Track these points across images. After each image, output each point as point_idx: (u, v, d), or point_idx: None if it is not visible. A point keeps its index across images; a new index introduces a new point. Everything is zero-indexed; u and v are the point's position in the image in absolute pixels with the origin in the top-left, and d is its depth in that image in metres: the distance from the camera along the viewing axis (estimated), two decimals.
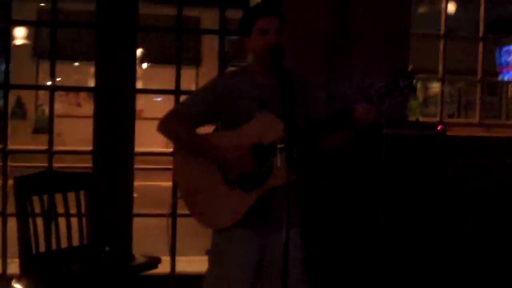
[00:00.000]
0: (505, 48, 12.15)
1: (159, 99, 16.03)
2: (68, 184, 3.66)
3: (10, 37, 4.83)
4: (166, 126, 2.99)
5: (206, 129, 3.05)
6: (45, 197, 3.55)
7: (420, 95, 17.01)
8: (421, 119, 5.18)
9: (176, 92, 4.52)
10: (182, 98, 4.37)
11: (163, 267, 4.04)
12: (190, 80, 16.08)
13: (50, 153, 4.41)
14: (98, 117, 4.43)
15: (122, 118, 4.43)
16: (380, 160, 3.80)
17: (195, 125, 2.98)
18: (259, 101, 2.87)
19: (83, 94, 16.58)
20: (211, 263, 3.06)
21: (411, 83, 2.67)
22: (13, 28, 12.96)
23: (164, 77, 6.99)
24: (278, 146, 2.68)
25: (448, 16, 5.40)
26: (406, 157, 4.12)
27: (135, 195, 4.54)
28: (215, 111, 2.96)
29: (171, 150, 4.40)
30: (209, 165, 2.90)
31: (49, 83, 4.56)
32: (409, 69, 2.77)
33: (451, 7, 9.23)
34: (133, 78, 4.47)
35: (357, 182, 4.20)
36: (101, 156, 4.41)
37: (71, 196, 3.61)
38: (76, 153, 4.84)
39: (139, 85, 4.91)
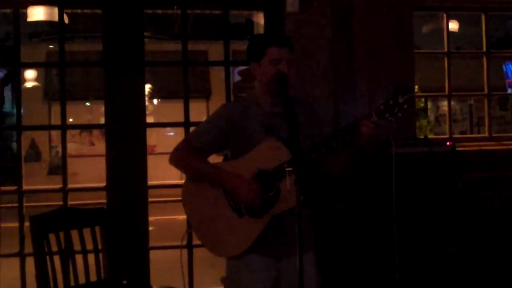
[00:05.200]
0: None
1: (171, 133, 16.20)
2: (83, 220, 3.68)
3: (20, 79, 4.89)
4: (176, 156, 3.04)
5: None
6: (61, 234, 3.58)
7: (431, 114, 17.02)
8: (430, 136, 5.18)
9: (186, 124, 4.56)
10: (192, 129, 4.42)
11: None
12: (201, 113, 16.25)
13: (64, 191, 4.46)
14: (110, 152, 4.46)
15: (134, 152, 4.46)
16: (391, 179, 3.80)
17: (205, 154, 3.02)
18: (266, 128, 2.89)
19: (96, 133, 16.76)
20: None
21: (410, 98, 2.69)
22: (23, 71, 13.19)
23: (176, 111, 7.08)
24: (287, 169, 2.70)
25: (456, 34, 5.41)
26: (417, 175, 4.13)
27: (151, 228, 4.55)
28: (223, 139, 2.99)
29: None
30: (217, 193, 2.93)
31: None
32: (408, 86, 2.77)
33: (456, 26, 9.27)
34: (142, 112, 4.50)
35: (369, 203, 4.20)
36: (115, 191, 4.44)
37: (86, 232, 3.63)
38: (90, 189, 4.87)
39: (151, 120, 4.95)
